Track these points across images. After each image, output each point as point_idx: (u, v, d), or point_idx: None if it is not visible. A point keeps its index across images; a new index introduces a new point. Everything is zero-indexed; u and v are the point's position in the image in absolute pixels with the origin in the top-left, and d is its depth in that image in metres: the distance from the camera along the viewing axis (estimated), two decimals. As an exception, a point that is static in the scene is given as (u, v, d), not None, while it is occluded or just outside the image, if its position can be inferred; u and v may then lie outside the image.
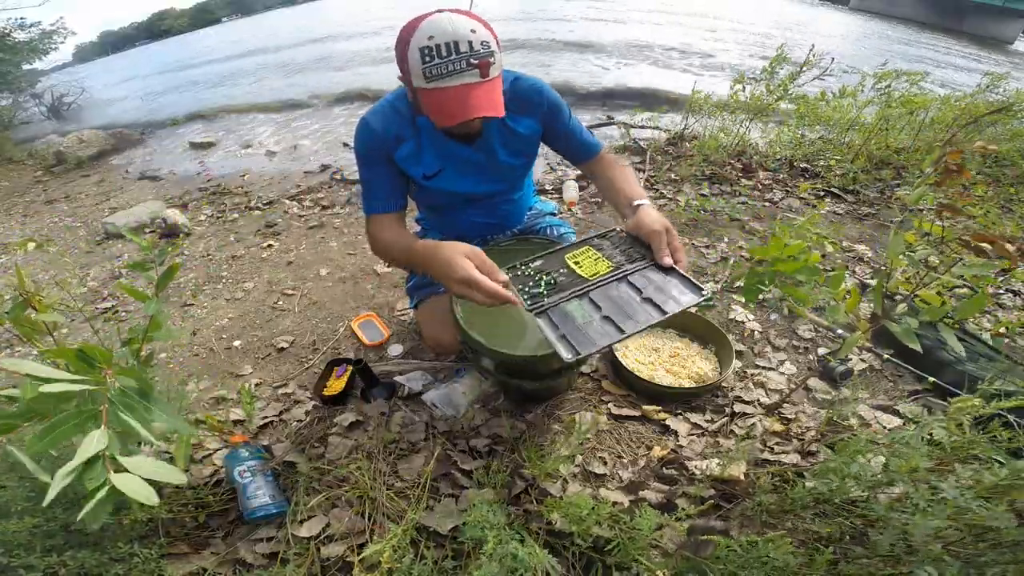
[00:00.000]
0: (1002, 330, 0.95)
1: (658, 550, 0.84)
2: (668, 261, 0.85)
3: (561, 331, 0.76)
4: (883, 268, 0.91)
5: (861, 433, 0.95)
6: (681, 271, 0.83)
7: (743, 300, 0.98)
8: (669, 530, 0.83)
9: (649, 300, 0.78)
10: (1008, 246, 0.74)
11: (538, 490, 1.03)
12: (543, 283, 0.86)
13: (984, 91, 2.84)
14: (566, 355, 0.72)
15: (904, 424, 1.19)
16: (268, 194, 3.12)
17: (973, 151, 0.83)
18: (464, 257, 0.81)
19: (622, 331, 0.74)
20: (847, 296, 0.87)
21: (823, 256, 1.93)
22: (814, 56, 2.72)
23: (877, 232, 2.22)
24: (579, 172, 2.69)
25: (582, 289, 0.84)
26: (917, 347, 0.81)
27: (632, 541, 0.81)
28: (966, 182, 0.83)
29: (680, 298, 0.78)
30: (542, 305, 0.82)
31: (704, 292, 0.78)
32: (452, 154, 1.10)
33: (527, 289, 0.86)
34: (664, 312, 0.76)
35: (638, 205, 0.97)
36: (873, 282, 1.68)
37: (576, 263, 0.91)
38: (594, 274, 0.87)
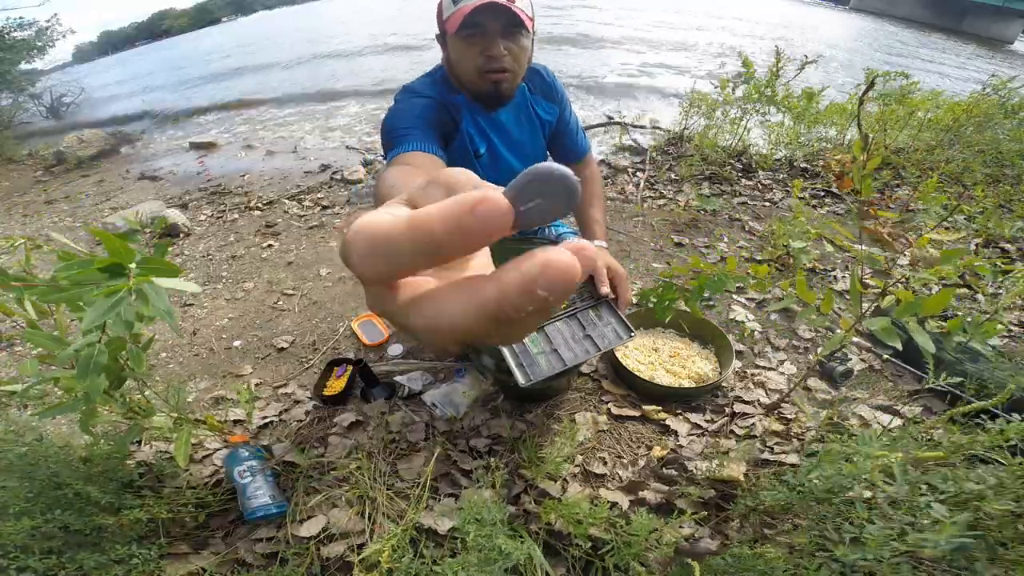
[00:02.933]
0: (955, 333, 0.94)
1: (653, 554, 0.84)
2: (605, 290, 0.98)
3: (519, 359, 0.92)
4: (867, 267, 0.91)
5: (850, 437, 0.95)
6: (620, 312, 0.98)
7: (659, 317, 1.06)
8: (667, 533, 0.83)
9: (589, 337, 0.95)
10: (881, 231, 0.76)
11: (537, 490, 1.03)
12: None
13: (986, 93, 2.83)
14: (522, 381, 0.88)
15: (905, 424, 1.19)
16: (268, 194, 3.11)
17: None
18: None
19: (564, 363, 0.91)
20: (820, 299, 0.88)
21: (822, 256, 1.93)
22: (786, 58, 2.71)
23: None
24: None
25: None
26: (897, 344, 0.81)
27: (628, 546, 0.81)
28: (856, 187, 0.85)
29: (611, 337, 0.95)
30: None
31: (632, 334, 0.95)
32: (488, 131, 1.08)
33: None
34: (599, 348, 0.93)
35: (596, 247, 1.07)
36: (872, 281, 1.68)
37: None
38: None
